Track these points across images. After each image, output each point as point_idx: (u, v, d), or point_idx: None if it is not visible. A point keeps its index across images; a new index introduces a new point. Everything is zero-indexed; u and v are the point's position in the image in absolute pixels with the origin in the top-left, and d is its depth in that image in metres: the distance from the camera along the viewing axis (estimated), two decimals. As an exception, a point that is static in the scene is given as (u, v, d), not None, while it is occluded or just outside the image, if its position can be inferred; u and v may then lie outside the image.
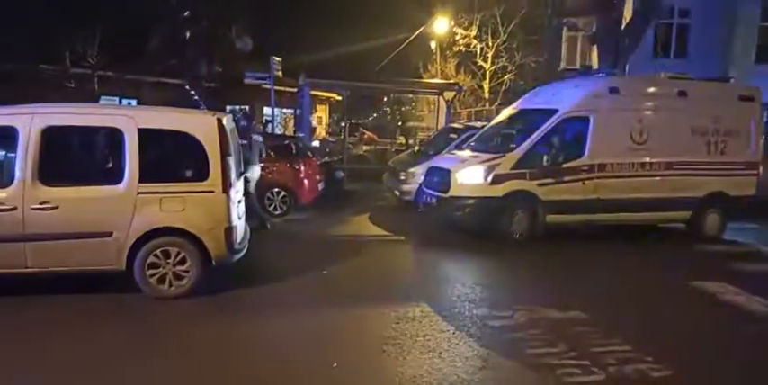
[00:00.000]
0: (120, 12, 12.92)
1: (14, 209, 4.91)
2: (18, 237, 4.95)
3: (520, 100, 9.86)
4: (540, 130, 8.24)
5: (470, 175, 8.19)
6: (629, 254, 7.91)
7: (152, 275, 5.27)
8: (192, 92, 15.24)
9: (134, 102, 17.54)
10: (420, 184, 9.66)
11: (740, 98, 9.10)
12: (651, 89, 8.92)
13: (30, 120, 4.99)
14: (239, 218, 5.75)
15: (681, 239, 9.03)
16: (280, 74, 12.99)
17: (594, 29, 14.60)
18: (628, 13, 14.34)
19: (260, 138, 8.88)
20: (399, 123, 20.10)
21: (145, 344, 4.46)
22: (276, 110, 22.67)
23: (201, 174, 5.28)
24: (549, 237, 8.18)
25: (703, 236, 8.98)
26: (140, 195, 5.13)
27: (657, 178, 8.64)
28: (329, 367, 4.11)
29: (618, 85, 8.60)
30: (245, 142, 8.50)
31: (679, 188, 8.69)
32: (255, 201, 8.65)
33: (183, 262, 5.32)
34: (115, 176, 5.11)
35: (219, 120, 5.38)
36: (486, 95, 24.26)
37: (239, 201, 5.84)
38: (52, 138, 5.00)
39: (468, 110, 24.11)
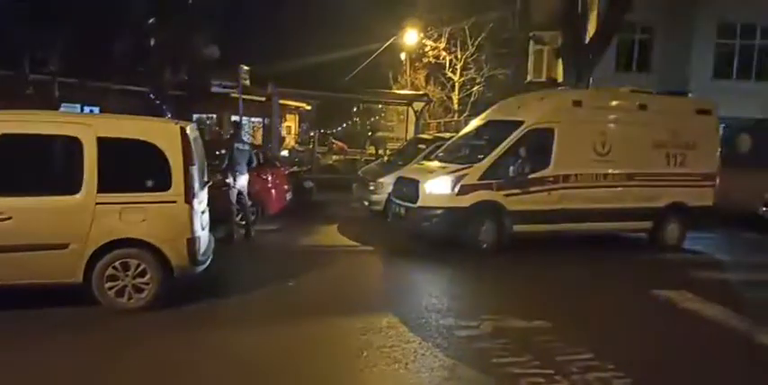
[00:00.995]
0: (83, 17, 12.62)
1: (-35, 219, 4.72)
2: (-31, 248, 4.74)
3: (487, 111, 9.99)
4: (506, 142, 8.36)
5: (438, 186, 8.23)
6: (593, 263, 8.05)
7: (111, 288, 5.11)
8: (157, 100, 14.97)
9: (96, 109, 17.12)
10: (389, 195, 9.67)
11: (698, 111, 9.42)
12: (613, 102, 9.15)
13: (-18, 128, 4.82)
14: (203, 228, 5.63)
15: (643, 248, 9.25)
16: (247, 82, 12.89)
17: (560, 43, 14.95)
18: (592, 28, 14.77)
19: (248, 147, 8.79)
20: (369, 133, 20.14)
21: (98, 360, 4.30)
22: (245, 119, 22.49)
23: (163, 183, 5.16)
24: (515, 246, 8.27)
25: (664, 245, 9.21)
26: (99, 206, 4.99)
27: (619, 189, 8.85)
28: (294, 381, 4.04)
29: (581, 98, 8.81)
30: (243, 149, 8.52)
31: (640, 198, 8.91)
32: (234, 209, 8.57)
33: (143, 274, 5.18)
34: (72, 186, 4.95)
35: (183, 129, 5.29)
36: (456, 107, 24.55)
37: (203, 212, 5.73)
38: (7, 146, 4.82)
39: (438, 121, 24.34)
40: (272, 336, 4.87)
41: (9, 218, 4.78)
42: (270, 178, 10.14)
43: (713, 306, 6.13)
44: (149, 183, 5.19)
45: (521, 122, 8.48)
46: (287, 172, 11.16)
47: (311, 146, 17.64)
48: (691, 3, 18.89)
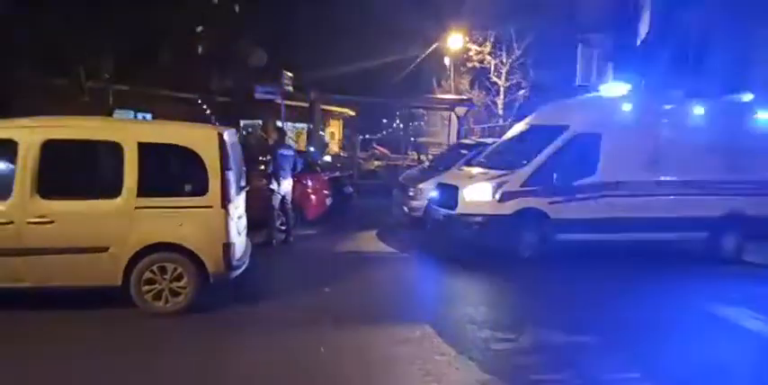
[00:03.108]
0: (134, 25, 13.09)
1: (11, 222, 4.87)
2: (14, 251, 4.90)
3: (531, 116, 9.70)
4: (550, 147, 8.08)
5: (478, 192, 8.03)
6: (642, 275, 7.62)
7: (148, 291, 5.17)
8: (204, 106, 15.34)
9: (149, 115, 17.74)
10: (429, 201, 9.51)
11: (760, 114, 8.85)
12: (666, 106, 8.71)
13: (29, 133, 4.98)
14: (239, 233, 5.65)
15: (699, 260, 8.72)
16: (290, 88, 13.01)
17: (610, 45, 14.48)
18: (644, 29, 14.23)
19: (292, 152, 8.86)
20: (412, 139, 20.01)
21: (128, 363, 4.33)
22: (289, 125, 22.81)
23: (200, 188, 5.21)
24: (559, 256, 7.95)
25: (722, 256, 8.67)
26: (138, 210, 5.07)
27: (673, 197, 8.39)
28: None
29: (630, 102, 8.42)
30: (287, 154, 8.62)
31: (695, 207, 8.41)
32: (276, 214, 8.63)
33: (179, 278, 5.23)
34: (113, 190, 5.05)
35: (220, 135, 5.32)
36: (500, 112, 24.11)
37: (239, 217, 5.74)
38: (51, 151, 4.97)
39: (482, 126, 23.96)
40: (302, 345, 4.80)
41: (52, 221, 4.91)
42: (310, 183, 10.16)
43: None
44: (187, 188, 5.25)
45: (566, 127, 8.18)
46: (327, 177, 11.16)
47: (354, 151, 17.67)
48: (751, 4, 17.95)
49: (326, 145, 22.76)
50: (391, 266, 7.89)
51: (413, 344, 4.86)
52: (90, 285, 5.15)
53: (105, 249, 5.02)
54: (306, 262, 7.97)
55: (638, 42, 13.49)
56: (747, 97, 9.62)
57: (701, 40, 19.15)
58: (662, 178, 8.32)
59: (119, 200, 5.05)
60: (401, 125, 28.54)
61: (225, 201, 5.23)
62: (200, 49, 15.27)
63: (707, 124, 8.49)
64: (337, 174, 12.00)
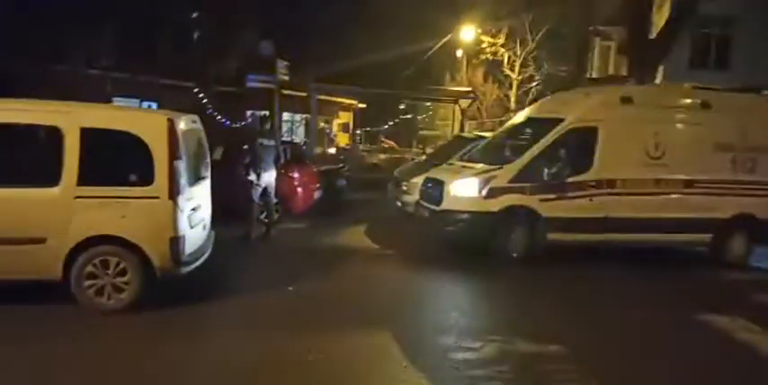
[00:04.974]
0: (132, 12, 12.84)
1: (-59, 210, 4.61)
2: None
3: (530, 107, 9.19)
4: (542, 141, 7.58)
5: (464, 188, 7.58)
6: (637, 280, 7.11)
7: (89, 286, 4.87)
8: (201, 96, 15.07)
9: (154, 105, 17.55)
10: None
11: (775, 111, 8.22)
12: (669, 99, 8.13)
13: (-35, 116, 4.70)
14: (192, 227, 5.30)
15: (700, 265, 8.17)
16: (286, 78, 12.65)
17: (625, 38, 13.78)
18: (661, 21, 13.48)
19: (273, 142, 8.49)
20: (419, 132, 19.57)
21: (67, 362, 4.06)
22: (294, 116, 22.51)
23: (146, 178, 4.87)
24: (549, 257, 7.47)
25: (728, 261, 8.10)
26: (78, 199, 4.76)
27: (675, 197, 7.84)
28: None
29: (631, 94, 7.87)
30: (268, 144, 8.26)
31: (699, 208, 7.85)
32: (255, 207, 8.30)
33: (123, 273, 4.91)
34: (52, 178, 4.74)
35: (171, 121, 4.97)
36: (513, 105, 23.49)
37: (195, 209, 5.40)
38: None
39: (493, 120, 23.39)
40: (243, 349, 4.45)
41: (-16, 209, 4.63)
42: (297, 175, 9.82)
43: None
44: (132, 178, 4.92)
45: (561, 120, 7.67)
46: (318, 170, 10.81)
47: (359, 143, 17.28)
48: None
49: (331, 137, 22.45)
50: (370, 264, 7.49)
51: (368, 351, 4.49)
52: (28, 279, 4.87)
53: (42, 240, 4.72)
54: (281, 257, 7.62)
55: (655, 35, 12.72)
56: (762, 91, 9.01)
57: (721, 35, 18.34)
58: (663, 176, 7.77)
59: (57, 188, 4.74)
60: (409, 117, 28.11)
61: (173, 191, 4.89)
62: (195, 37, 14.96)
63: (715, 119, 7.90)
64: (330, 166, 11.66)
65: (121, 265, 4.89)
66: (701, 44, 18.53)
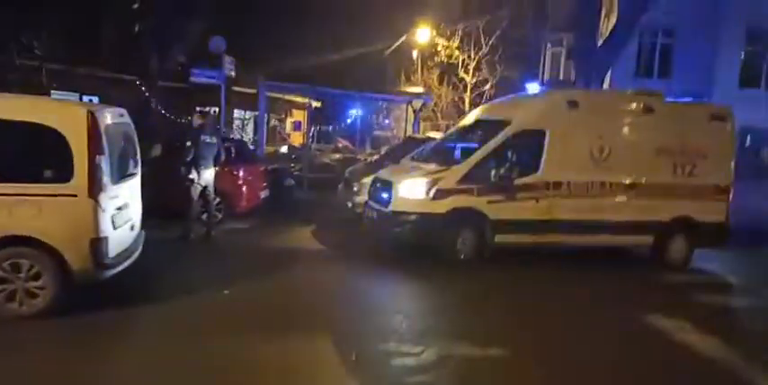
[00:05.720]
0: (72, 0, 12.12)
1: None
2: None
3: (478, 109, 9.17)
4: (490, 143, 7.54)
5: (411, 189, 7.45)
6: (581, 282, 7.14)
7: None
8: (143, 89, 14.42)
9: (96, 99, 16.70)
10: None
11: (712, 117, 8.42)
12: (614, 104, 8.26)
13: None
14: (116, 227, 4.94)
15: (643, 266, 8.31)
16: (233, 74, 12.25)
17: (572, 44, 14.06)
18: (609, 29, 13.81)
19: (215, 140, 8.11)
20: (373, 132, 19.41)
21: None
22: (246, 113, 21.98)
23: (64, 174, 4.50)
24: (497, 259, 7.43)
25: (668, 263, 8.26)
26: (-14, 196, 4.34)
27: (618, 199, 7.94)
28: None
29: (577, 98, 7.92)
30: (210, 141, 7.89)
31: (641, 210, 7.98)
32: (196, 207, 7.92)
33: (37, 277, 4.51)
34: (-45, 173, 4.31)
35: (91, 114, 4.60)
36: (467, 108, 23.63)
37: (120, 208, 5.04)
38: None
39: (448, 122, 23.47)
40: (166, 357, 4.16)
41: None
42: (241, 174, 9.47)
43: (711, 338, 5.25)
44: (46, 174, 4.53)
45: (508, 122, 7.65)
46: (265, 168, 10.48)
47: (310, 143, 16.98)
48: (716, 6, 17.78)
49: (284, 135, 22.02)
50: (314, 266, 7.25)
51: (301, 358, 4.27)
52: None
53: (-56, 242, 4.29)
54: (220, 259, 7.29)
55: (601, 42, 13.00)
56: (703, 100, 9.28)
57: (667, 43, 19.00)
58: (607, 179, 7.86)
59: (-38, 184, 4.32)
60: (368, 117, 28.00)
61: (94, 189, 4.54)
62: (137, 28, 14.29)
63: (657, 124, 8.05)
64: (278, 165, 11.34)
65: (35, 269, 4.50)
66: (645, 53, 19.18)
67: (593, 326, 5.53)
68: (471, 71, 22.97)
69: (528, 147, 7.66)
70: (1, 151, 4.38)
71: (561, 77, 20.29)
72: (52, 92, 14.63)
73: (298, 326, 4.95)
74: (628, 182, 7.94)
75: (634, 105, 8.20)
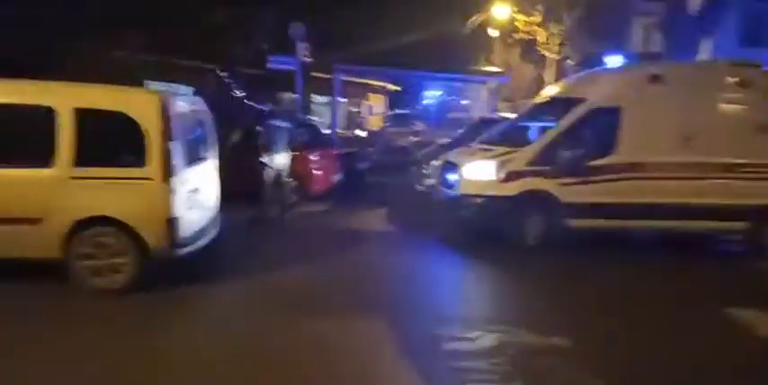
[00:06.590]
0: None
1: (-60, 190, 4.67)
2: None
3: (552, 87, 8.76)
4: (564, 122, 7.20)
5: (479, 171, 7.29)
6: (661, 271, 6.67)
7: (87, 267, 4.88)
8: (226, 77, 15.05)
9: (184, 88, 17.65)
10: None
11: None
12: (704, 77, 7.55)
13: (-35, 98, 4.73)
14: (190, 209, 5.24)
15: (733, 255, 7.64)
16: (308, 59, 12.48)
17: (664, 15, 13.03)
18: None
19: (287, 125, 8.39)
20: (449, 114, 19.14)
21: (55, 339, 4.10)
22: (324, 98, 22.37)
23: (140, 159, 4.82)
24: (569, 245, 7.11)
25: (764, 251, 7.55)
26: (73, 180, 4.76)
27: (707, 181, 7.30)
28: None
29: (662, 72, 7.33)
30: (282, 126, 8.16)
31: (735, 194, 7.30)
32: (270, 190, 8.25)
33: (119, 254, 4.90)
34: (46, 159, 4.75)
35: (163, 101, 4.88)
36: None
37: (193, 191, 5.34)
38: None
39: (528, 101, 22.64)
40: (232, 332, 4.40)
41: (-19, 190, 4.68)
42: (315, 158, 9.70)
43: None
44: (126, 159, 4.87)
45: (582, 100, 7.25)
46: (337, 152, 10.67)
47: (387, 126, 17.05)
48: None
49: (360, 119, 22.23)
50: (382, 248, 7.32)
51: (357, 339, 4.34)
52: (29, 257, 4.91)
53: (38, 221, 4.75)
54: (292, 240, 7.56)
55: (695, 11, 11.94)
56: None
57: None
58: (695, 159, 7.25)
59: (53, 169, 4.75)
60: (449, 100, 27.61)
61: (167, 173, 4.83)
62: (219, 18, 14.85)
63: (755, 98, 7.30)
64: (352, 149, 11.51)
65: (117, 246, 4.88)
66: (754, 19, 17.38)
67: (670, 316, 5.17)
68: (553, 47, 21.93)
69: (604, 125, 7.22)
70: (86, 138, 4.74)
71: (650, 50, 18.91)
72: (145, 82, 15.67)
73: (361, 306, 5.02)
74: (719, 162, 7.28)
75: (728, 78, 7.47)
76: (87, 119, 4.76)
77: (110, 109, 4.85)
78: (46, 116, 4.72)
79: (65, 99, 4.79)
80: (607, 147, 7.16)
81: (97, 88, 5.05)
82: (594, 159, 7.14)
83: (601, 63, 16.32)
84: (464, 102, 22.11)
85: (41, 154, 4.75)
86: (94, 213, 4.79)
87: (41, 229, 4.74)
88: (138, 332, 4.32)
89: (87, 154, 4.77)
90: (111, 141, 4.96)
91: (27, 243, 4.80)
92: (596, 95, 7.23)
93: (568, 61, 20.45)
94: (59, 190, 4.74)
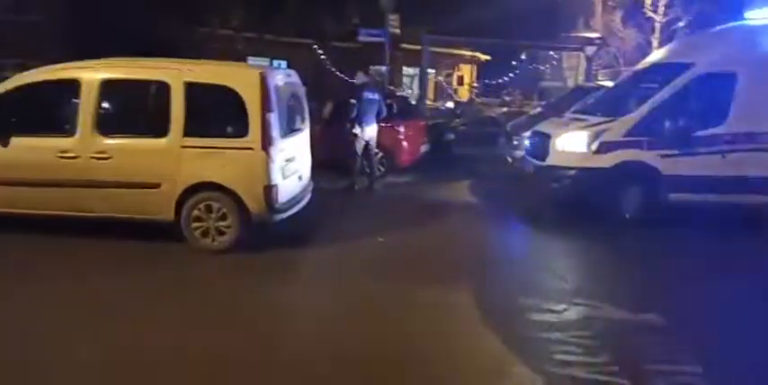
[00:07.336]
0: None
1: (78, 157, 5.28)
2: (83, 182, 5.32)
3: (655, 52, 8.19)
4: (666, 90, 6.76)
5: (571, 142, 7.06)
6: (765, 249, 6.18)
7: (196, 228, 5.35)
8: (320, 52, 15.39)
9: (284, 63, 18.32)
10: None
11: None
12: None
13: (91, 73, 5.27)
14: (285, 177, 5.56)
15: None
16: (397, 31, 12.45)
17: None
18: None
19: (377, 96, 8.57)
20: (541, 83, 18.42)
21: (173, 293, 4.55)
22: (414, 70, 22.26)
23: (242, 130, 5.17)
24: (668, 220, 6.75)
25: None
26: (184, 149, 5.20)
27: (834, 155, 6.62)
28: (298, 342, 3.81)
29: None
30: (372, 98, 8.35)
31: None
32: (360, 161, 8.50)
33: (224, 217, 5.33)
34: (162, 129, 5.21)
35: (262, 75, 5.17)
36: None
37: (287, 160, 5.64)
38: (108, 90, 5.24)
39: (630, 69, 21.21)
40: (320, 295, 4.68)
41: (110, 157, 5.24)
42: (403, 129, 9.81)
43: None
44: (229, 129, 5.26)
45: (690, 65, 6.74)
46: (424, 123, 10.70)
47: (475, 97, 16.77)
48: None
49: (449, 90, 21.92)
50: (466, 219, 7.37)
51: (445, 308, 4.44)
52: (147, 219, 5.46)
53: (158, 186, 5.26)
54: (380, 209, 7.78)
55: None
56: None
57: None
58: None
59: (167, 138, 5.21)
60: (542, 68, 26.51)
61: (265, 143, 5.15)
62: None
63: None
64: (439, 120, 11.47)
65: (223, 210, 5.30)
66: None
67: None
68: (660, 9, 20.26)
69: (714, 93, 6.71)
70: (195, 110, 5.15)
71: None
72: (248, 58, 16.45)
73: (446, 276, 5.12)
74: None
75: None
76: (196, 92, 5.16)
77: (216, 83, 5.22)
78: (162, 90, 5.17)
79: (177, 74, 5.21)
80: (718, 115, 6.66)
81: (205, 64, 5.44)
82: (702, 129, 6.67)
83: (715, 25, 14.88)
84: (558, 70, 21.12)
85: (158, 125, 5.23)
86: (202, 179, 5.22)
87: (160, 194, 5.25)
88: (235, 290, 4.72)
89: (196, 125, 5.18)
90: (216, 113, 5.36)
91: (148, 206, 5.34)
92: (707, 60, 6.69)
93: (680, 24, 18.83)
94: (172, 158, 5.21)
